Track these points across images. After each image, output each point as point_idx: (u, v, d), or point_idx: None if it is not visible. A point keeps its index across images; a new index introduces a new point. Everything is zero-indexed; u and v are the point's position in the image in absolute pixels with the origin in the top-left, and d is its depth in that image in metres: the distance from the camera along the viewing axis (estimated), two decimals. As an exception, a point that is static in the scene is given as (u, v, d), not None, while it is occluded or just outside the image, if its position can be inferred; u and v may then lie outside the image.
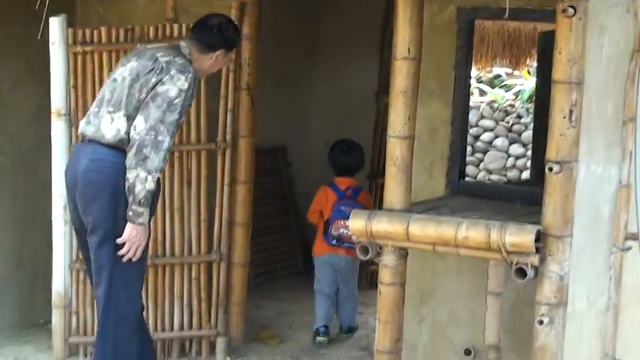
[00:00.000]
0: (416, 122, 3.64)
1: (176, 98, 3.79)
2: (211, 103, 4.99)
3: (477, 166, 11.10)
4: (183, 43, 4.09)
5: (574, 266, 3.37)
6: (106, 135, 3.85)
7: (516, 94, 11.76)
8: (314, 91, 7.21)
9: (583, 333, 3.80)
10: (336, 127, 6.47)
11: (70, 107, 4.86)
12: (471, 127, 10.44)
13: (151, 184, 3.74)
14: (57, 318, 4.98)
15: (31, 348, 5.22)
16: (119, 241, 3.83)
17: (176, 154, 4.95)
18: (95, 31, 4.85)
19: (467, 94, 4.37)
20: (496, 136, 11.19)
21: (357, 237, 3.63)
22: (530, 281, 3.35)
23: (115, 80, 3.95)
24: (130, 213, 3.78)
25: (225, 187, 5.03)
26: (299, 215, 6.95)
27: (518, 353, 4.19)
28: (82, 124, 4.05)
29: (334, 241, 5.46)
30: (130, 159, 3.73)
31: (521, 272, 3.32)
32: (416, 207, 3.81)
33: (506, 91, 11.89)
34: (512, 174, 10.92)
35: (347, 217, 5.33)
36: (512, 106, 11.47)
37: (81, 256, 4.52)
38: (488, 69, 10.73)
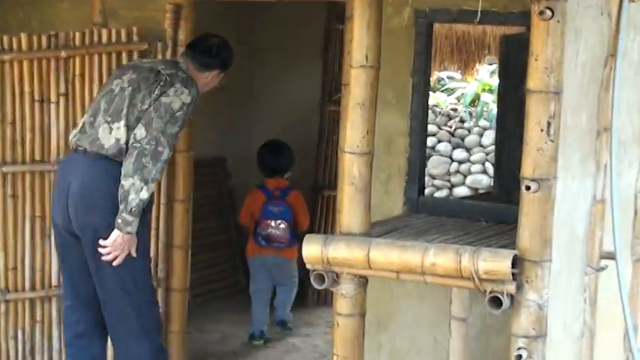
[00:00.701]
0: (372, 135, 3.31)
1: (179, 111, 3.81)
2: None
3: (421, 170, 10.80)
4: (180, 60, 4.14)
5: (551, 290, 3.05)
6: (105, 145, 3.81)
7: (459, 98, 11.55)
8: (254, 98, 6.83)
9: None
10: (278, 136, 6.09)
11: (-13, 122, 4.43)
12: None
13: (145, 194, 3.71)
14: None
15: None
16: (102, 243, 3.78)
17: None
18: (14, 38, 4.42)
19: (425, 104, 4.05)
20: (439, 141, 10.98)
21: (311, 264, 3.28)
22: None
23: (111, 91, 3.92)
24: (119, 220, 3.74)
25: (162, 207, 4.64)
26: (240, 230, 6.54)
27: (486, 384, 3.88)
28: (74, 135, 3.98)
29: (263, 242, 5.56)
30: (127, 166, 3.70)
31: (496, 301, 3.02)
32: (375, 229, 3.48)
33: (448, 95, 11.66)
34: (456, 178, 10.80)
35: (275, 217, 5.55)
36: (455, 110, 11.26)
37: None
38: (436, 72, 10.45)
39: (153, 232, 4.63)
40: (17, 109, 4.50)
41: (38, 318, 4.61)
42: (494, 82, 11.35)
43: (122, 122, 3.81)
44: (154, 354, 4.01)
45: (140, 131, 3.76)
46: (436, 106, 11.26)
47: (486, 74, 11.26)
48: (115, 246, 3.77)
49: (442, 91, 11.88)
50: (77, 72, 4.51)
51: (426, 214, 3.96)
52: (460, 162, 10.90)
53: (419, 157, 4.04)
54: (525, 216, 3.00)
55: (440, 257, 3.06)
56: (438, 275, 3.09)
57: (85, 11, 4.80)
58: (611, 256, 3.73)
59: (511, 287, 2.97)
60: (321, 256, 3.23)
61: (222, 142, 6.71)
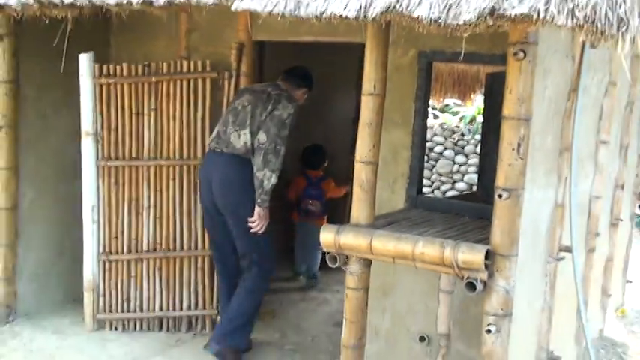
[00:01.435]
0: (381, 147, 2.94)
1: (286, 119, 3.78)
2: (214, 125, 4.23)
3: (431, 170, 10.60)
4: (279, 83, 4.04)
5: (517, 276, 2.64)
6: (237, 147, 3.79)
7: (460, 119, 11.47)
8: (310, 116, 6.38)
9: (522, 331, 3.08)
10: (322, 142, 5.73)
11: (97, 129, 4.13)
12: (427, 141, 9.96)
13: (274, 180, 3.73)
14: (87, 299, 4.29)
15: (68, 321, 4.51)
16: (250, 221, 3.79)
17: (185, 168, 4.26)
18: (118, 66, 4.13)
19: (425, 124, 3.64)
20: (445, 149, 10.83)
21: (326, 247, 2.91)
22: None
23: (235, 108, 3.88)
24: (259, 200, 3.75)
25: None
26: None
27: (465, 341, 3.49)
28: (211, 140, 3.94)
29: (303, 214, 5.56)
30: (258, 163, 3.70)
31: (471, 286, 2.62)
32: (380, 220, 3.10)
33: (453, 116, 11.48)
34: (457, 176, 10.68)
35: (312, 198, 5.51)
36: (458, 127, 11.27)
37: (209, 239, 4.21)
38: (441, 100, 10.21)
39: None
40: (119, 119, 4.21)
41: (132, 274, 4.32)
42: None
43: (247, 130, 3.76)
44: (260, 275, 3.98)
45: (262, 136, 3.72)
46: (444, 123, 11.05)
47: (481, 101, 10.93)
48: (260, 218, 3.78)
49: (449, 113, 11.54)
50: (164, 93, 4.20)
51: (422, 210, 3.56)
52: (460, 165, 10.75)
53: (418, 165, 3.64)
54: (498, 219, 2.60)
55: (427, 248, 2.68)
56: (426, 262, 2.71)
57: (175, 48, 4.52)
58: (568, 249, 3.31)
59: (484, 275, 2.59)
60: (334, 242, 2.88)
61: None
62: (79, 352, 4.09)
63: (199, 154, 4.24)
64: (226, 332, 3.92)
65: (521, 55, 2.46)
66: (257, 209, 3.77)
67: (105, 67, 4.10)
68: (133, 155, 4.23)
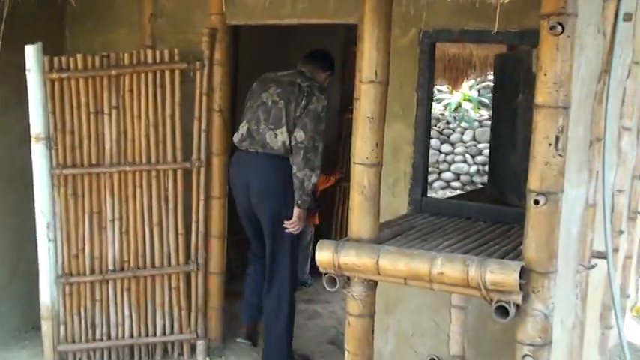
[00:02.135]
0: (381, 145, 2.49)
1: (322, 112, 3.67)
2: (186, 124, 3.79)
3: (416, 159, 10.50)
4: (303, 69, 3.85)
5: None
6: (274, 147, 3.64)
7: (445, 106, 11.13)
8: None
9: (554, 356, 2.65)
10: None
11: (49, 132, 3.63)
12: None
13: (314, 179, 3.63)
14: (45, 328, 3.80)
15: (26, 353, 4.04)
16: (288, 223, 3.68)
17: (153, 174, 3.78)
18: (71, 59, 3.64)
19: (428, 115, 3.23)
20: (430, 138, 10.46)
21: (324, 268, 2.47)
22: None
23: (264, 104, 3.70)
24: (300, 201, 3.64)
25: (201, 203, 3.86)
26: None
27: (482, 364, 3.06)
28: (242, 139, 3.74)
29: None
30: (298, 163, 3.58)
31: (503, 311, 2.20)
32: (383, 230, 2.68)
33: (438, 104, 11.12)
34: (443, 166, 10.73)
35: None
36: (443, 114, 10.97)
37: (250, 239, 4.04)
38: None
39: (193, 225, 3.88)
40: (75, 120, 3.72)
41: (97, 297, 3.84)
42: (473, 93, 10.87)
43: (284, 128, 3.62)
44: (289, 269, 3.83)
45: (299, 134, 3.59)
46: (429, 112, 10.72)
47: (466, 88, 10.69)
48: (299, 220, 3.68)
49: (433, 101, 11.17)
50: (127, 88, 3.71)
51: (428, 214, 3.15)
52: (446, 154, 10.78)
53: (422, 162, 3.21)
54: (532, 229, 2.18)
55: (447, 267, 2.25)
56: (445, 284, 2.28)
57: (139, 36, 4.07)
58: (601, 255, 2.89)
59: (518, 297, 2.18)
60: (333, 261, 2.44)
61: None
62: (38, 389, 3.64)
63: (169, 157, 3.78)
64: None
65: (559, 29, 2.04)
66: (297, 211, 3.66)
67: (56, 59, 3.61)
68: (93, 161, 3.75)
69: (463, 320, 3.16)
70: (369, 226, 2.47)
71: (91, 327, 3.84)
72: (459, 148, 10.71)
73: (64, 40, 4.28)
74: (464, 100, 11.19)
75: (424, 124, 3.18)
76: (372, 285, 2.49)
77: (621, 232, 3.71)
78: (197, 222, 3.85)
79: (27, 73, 3.53)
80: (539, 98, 2.13)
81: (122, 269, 3.82)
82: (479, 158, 10.48)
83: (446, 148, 10.75)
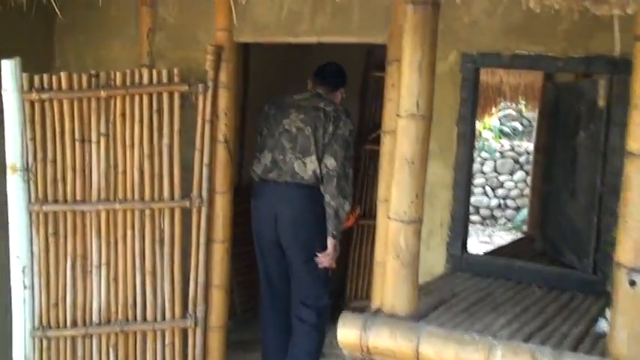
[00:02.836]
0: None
1: (350, 137, 3.61)
2: (185, 156, 3.35)
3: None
4: (319, 91, 3.73)
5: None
6: (304, 177, 3.54)
7: None
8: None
9: None
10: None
11: (27, 161, 3.19)
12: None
13: (348, 207, 3.57)
14: (19, 388, 3.30)
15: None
16: (322, 255, 3.56)
17: (147, 212, 3.34)
18: (54, 77, 3.20)
19: (471, 154, 2.76)
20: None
21: (347, 350, 1.99)
22: None
23: (287, 131, 3.59)
24: (335, 232, 3.55)
25: (201, 247, 3.41)
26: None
27: None
28: (267, 169, 3.60)
29: None
30: (332, 191, 3.50)
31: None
32: (419, 296, 2.16)
33: None
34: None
35: None
36: None
37: (261, 273, 3.82)
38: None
39: (192, 273, 3.44)
40: (58, 149, 3.28)
41: (79, 355, 3.38)
42: (494, 122, 10.45)
43: (314, 156, 3.53)
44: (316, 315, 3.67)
45: (330, 161, 3.52)
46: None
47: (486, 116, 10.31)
48: (335, 251, 3.58)
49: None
50: (118, 112, 3.29)
51: (470, 274, 2.67)
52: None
53: (463, 211, 2.74)
54: (623, 315, 1.69)
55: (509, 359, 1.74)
56: (506, 380, 1.77)
57: (135, 52, 3.66)
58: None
59: (602, 404, 1.66)
60: (360, 342, 1.98)
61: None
62: None
63: (166, 194, 3.33)
64: None
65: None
66: (331, 241, 3.54)
67: (37, 78, 3.17)
68: (78, 197, 3.30)
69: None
70: (406, 299, 2.00)
71: (71, 389, 3.38)
72: (479, 180, 10.21)
73: (52, 56, 3.88)
74: (484, 129, 10.78)
75: (466, 165, 2.72)
76: (409, 373, 2.01)
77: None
78: (196, 269, 3.40)
79: (2, 92, 3.10)
80: (633, 145, 1.67)
81: (108, 322, 3.35)
82: (500, 191, 10.02)
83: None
